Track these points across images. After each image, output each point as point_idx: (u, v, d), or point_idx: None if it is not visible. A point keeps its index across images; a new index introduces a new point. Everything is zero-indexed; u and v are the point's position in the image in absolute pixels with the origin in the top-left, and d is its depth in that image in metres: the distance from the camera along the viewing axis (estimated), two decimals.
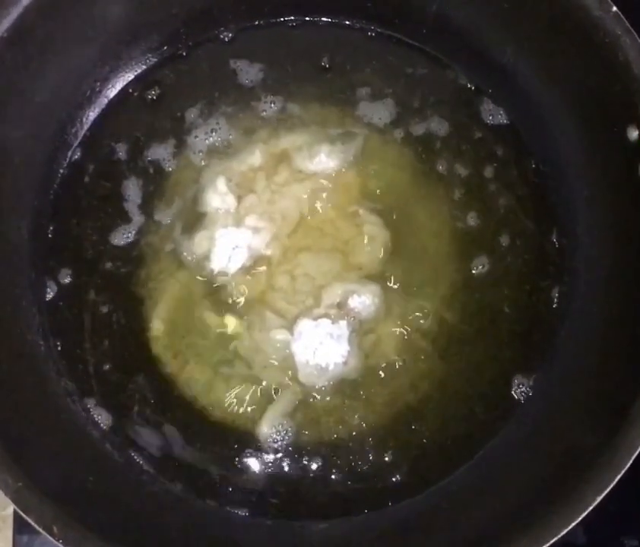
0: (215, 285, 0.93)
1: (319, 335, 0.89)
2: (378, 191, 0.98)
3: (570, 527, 0.70)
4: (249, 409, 0.89)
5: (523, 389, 0.90)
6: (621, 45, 0.84)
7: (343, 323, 0.90)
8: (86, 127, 1.00)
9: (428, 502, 0.85)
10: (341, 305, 0.91)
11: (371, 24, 1.05)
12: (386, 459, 0.88)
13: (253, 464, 0.87)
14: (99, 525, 0.72)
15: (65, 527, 0.69)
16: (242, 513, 0.86)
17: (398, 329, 0.92)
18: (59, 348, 0.91)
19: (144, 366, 0.91)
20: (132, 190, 0.98)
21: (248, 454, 0.88)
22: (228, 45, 1.05)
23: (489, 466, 0.86)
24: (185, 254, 0.94)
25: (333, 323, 0.90)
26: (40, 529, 0.69)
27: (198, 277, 0.94)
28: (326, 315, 0.90)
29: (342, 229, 0.96)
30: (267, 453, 0.88)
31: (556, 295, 0.94)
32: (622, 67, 0.84)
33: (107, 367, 0.91)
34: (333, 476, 0.87)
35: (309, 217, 0.96)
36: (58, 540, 0.69)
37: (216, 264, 0.93)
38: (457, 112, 1.02)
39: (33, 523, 0.69)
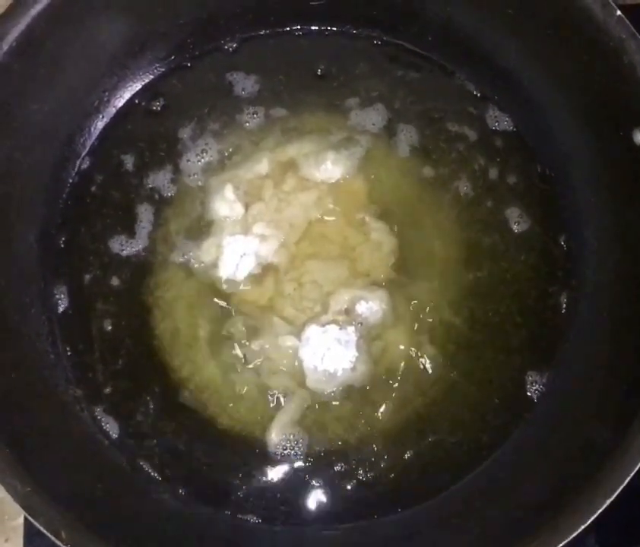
0: (223, 292, 0.93)
1: (327, 341, 0.89)
2: (384, 198, 0.98)
3: (579, 530, 0.69)
4: (258, 415, 0.89)
5: (535, 388, 0.90)
6: (625, 48, 0.84)
7: (350, 329, 0.90)
8: (94, 136, 1.01)
9: (437, 508, 0.85)
10: (349, 311, 0.92)
11: (376, 32, 1.05)
12: (395, 465, 0.88)
13: (262, 471, 0.87)
14: (107, 531, 0.72)
15: (73, 532, 0.70)
16: (252, 519, 0.86)
17: (406, 334, 0.92)
18: (68, 356, 0.91)
19: (153, 374, 0.91)
20: (140, 199, 0.98)
21: (258, 461, 0.88)
22: (231, 56, 1.05)
23: (499, 472, 0.86)
24: (193, 262, 0.95)
25: (341, 329, 0.90)
26: (48, 534, 0.69)
27: (206, 285, 0.94)
28: (334, 321, 0.91)
29: (349, 236, 0.96)
30: (277, 459, 0.88)
31: (565, 299, 0.94)
32: (626, 70, 0.84)
33: (116, 375, 0.91)
34: (342, 482, 0.87)
35: (316, 225, 0.96)
36: (66, 545, 0.69)
37: (223, 272, 0.93)
38: (462, 118, 1.02)
39: (41, 528, 0.69)
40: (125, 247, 0.96)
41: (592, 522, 0.70)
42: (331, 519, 0.86)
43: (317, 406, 0.89)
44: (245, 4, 1.03)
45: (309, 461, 0.88)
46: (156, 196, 0.98)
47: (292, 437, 0.88)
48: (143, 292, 0.94)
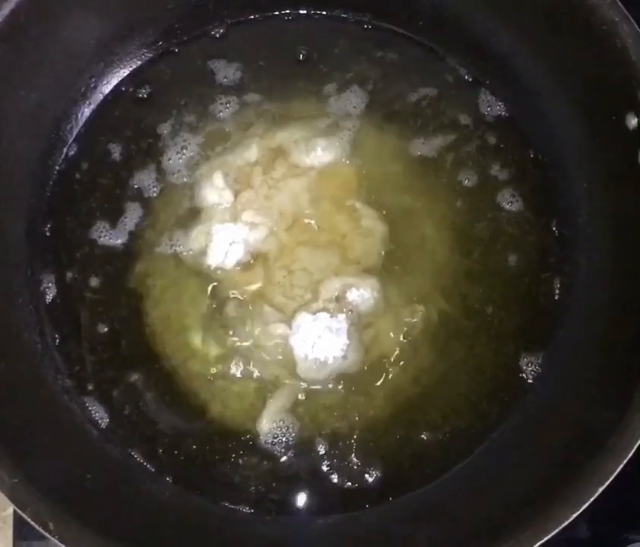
0: (212, 280, 0.93)
1: (318, 328, 0.88)
2: (374, 184, 0.97)
3: (571, 519, 0.69)
4: (249, 404, 0.89)
5: (530, 369, 0.89)
6: (618, 31, 0.83)
7: (341, 316, 0.90)
8: (81, 123, 1.00)
9: (429, 497, 0.85)
10: (340, 299, 0.91)
11: (367, 16, 1.05)
12: (386, 453, 0.87)
13: (253, 460, 0.87)
14: (97, 522, 0.72)
15: (61, 523, 0.69)
16: (243, 509, 0.85)
17: (398, 322, 0.91)
18: (56, 345, 0.91)
19: (143, 363, 0.91)
20: (127, 187, 0.98)
21: (249, 450, 0.87)
22: (218, 42, 1.05)
23: (490, 460, 0.86)
24: (181, 249, 0.94)
25: (331, 316, 0.89)
26: (36, 526, 0.69)
27: (195, 273, 0.93)
28: (325, 309, 0.90)
29: (339, 223, 0.95)
30: (267, 448, 0.87)
31: (558, 285, 0.93)
32: (619, 54, 0.83)
33: (105, 364, 0.90)
34: (333, 471, 0.86)
35: (306, 212, 0.96)
36: (54, 536, 0.68)
37: (212, 260, 0.93)
38: (454, 104, 1.02)
39: (29, 519, 0.69)
40: (112, 235, 0.95)
41: (584, 509, 0.69)
42: (322, 508, 0.85)
43: (308, 395, 0.89)
44: None
45: (300, 450, 0.87)
46: (144, 184, 0.98)
47: (282, 426, 0.87)
48: (131, 280, 0.94)
